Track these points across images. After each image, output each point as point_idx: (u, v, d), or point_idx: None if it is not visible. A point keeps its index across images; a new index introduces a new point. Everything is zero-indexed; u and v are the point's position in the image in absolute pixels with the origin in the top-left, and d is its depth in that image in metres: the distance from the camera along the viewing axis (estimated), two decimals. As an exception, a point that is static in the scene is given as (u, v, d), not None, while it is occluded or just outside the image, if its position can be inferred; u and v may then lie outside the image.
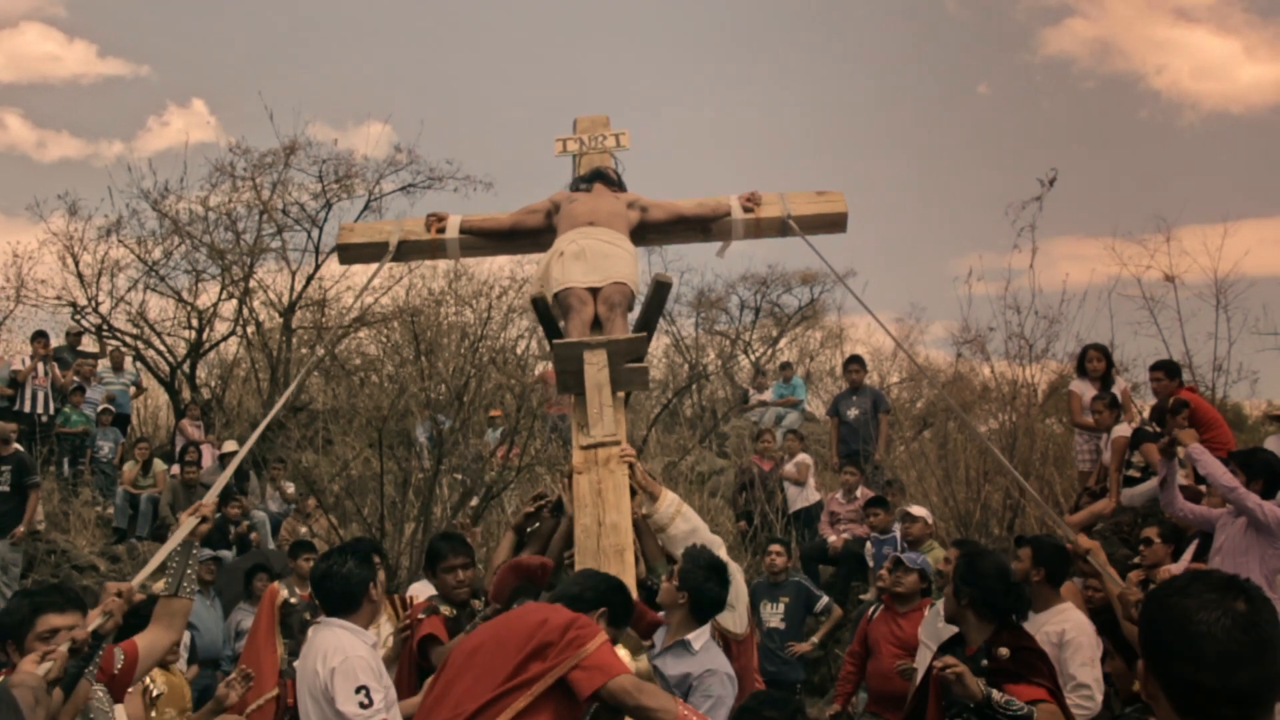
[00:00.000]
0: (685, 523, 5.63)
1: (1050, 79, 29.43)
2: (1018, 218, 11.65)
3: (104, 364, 16.00)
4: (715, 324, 23.85)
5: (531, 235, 7.01)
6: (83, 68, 29.87)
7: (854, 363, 13.35)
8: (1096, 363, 10.13)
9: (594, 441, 5.72)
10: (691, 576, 5.05)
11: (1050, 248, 23.32)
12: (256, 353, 18.25)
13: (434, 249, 7.22)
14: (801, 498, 12.37)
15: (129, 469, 13.81)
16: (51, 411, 14.34)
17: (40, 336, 14.73)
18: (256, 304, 18.51)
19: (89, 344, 16.81)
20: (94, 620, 3.72)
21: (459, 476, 12.94)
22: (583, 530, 5.47)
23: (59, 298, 17.54)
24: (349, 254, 7.31)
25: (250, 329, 18.51)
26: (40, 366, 14.24)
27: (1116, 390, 9.92)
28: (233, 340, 18.92)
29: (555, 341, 6.10)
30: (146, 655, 4.28)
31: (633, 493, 5.61)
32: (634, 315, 6.51)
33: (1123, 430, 9.33)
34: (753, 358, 22.94)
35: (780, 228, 7.03)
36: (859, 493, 10.97)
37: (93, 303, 17.52)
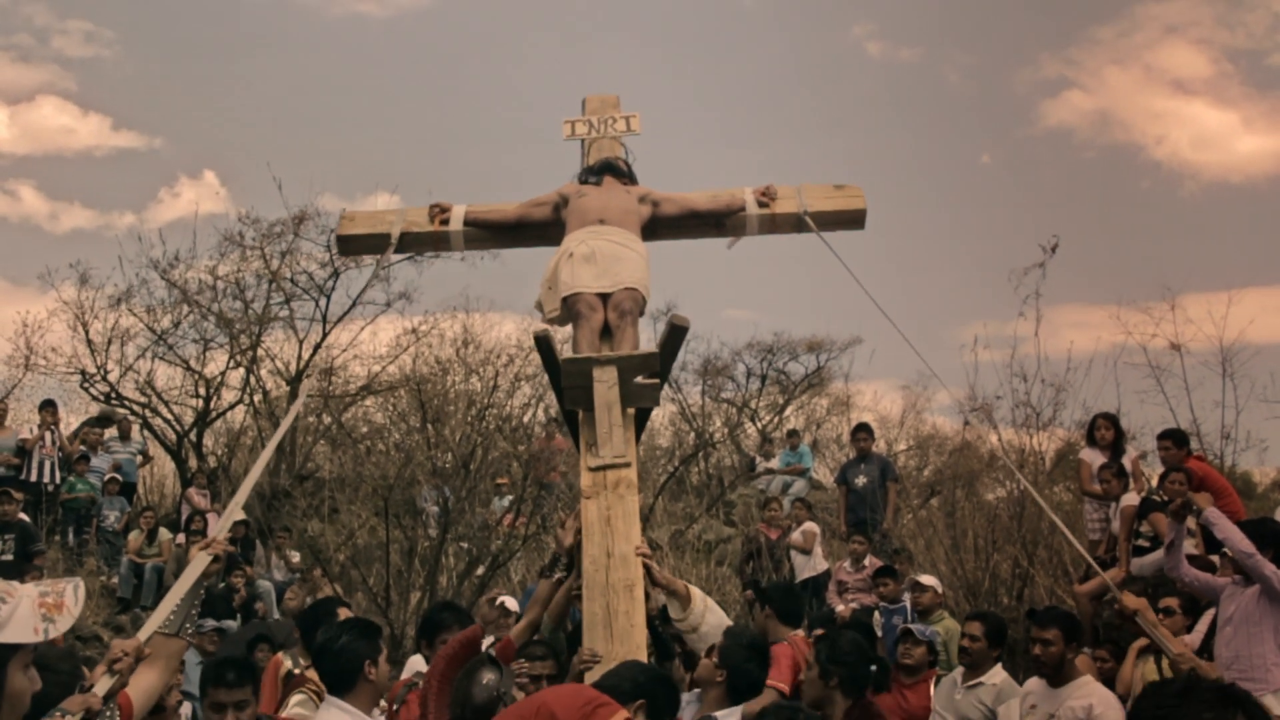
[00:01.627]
0: (714, 615, 5.47)
1: (1051, 150, 29.74)
2: (1020, 284, 11.71)
3: (111, 433, 16.02)
4: (721, 391, 23.85)
5: (538, 229, 6.79)
6: (97, 140, 30.26)
7: (861, 430, 13.32)
8: (1106, 431, 10.10)
9: (603, 463, 5.48)
10: (732, 655, 4.99)
11: (1054, 315, 23.27)
12: (263, 421, 18.26)
13: (437, 241, 6.96)
14: (809, 567, 12.29)
15: (134, 538, 13.78)
16: (58, 480, 14.34)
17: (48, 405, 14.76)
18: (264, 372, 18.58)
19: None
20: (102, 683, 3.37)
21: (465, 545, 12.88)
22: (590, 562, 5.24)
23: (68, 365, 17.64)
24: (350, 245, 7.11)
25: (257, 398, 18.55)
26: (48, 436, 14.26)
27: (1126, 460, 9.88)
28: (240, 409, 18.95)
29: (564, 359, 5.79)
30: (141, 703, 3.72)
31: (646, 595, 5.33)
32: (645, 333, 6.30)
33: (1131, 499, 9.29)
34: (759, 425, 22.90)
35: (796, 224, 6.78)
36: (867, 562, 10.89)
37: (101, 370, 17.59)
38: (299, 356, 18.22)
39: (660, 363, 5.91)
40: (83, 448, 14.87)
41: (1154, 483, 10.04)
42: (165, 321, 18.10)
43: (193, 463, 17.33)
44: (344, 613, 5.69)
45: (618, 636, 5.07)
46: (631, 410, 5.77)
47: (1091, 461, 10.04)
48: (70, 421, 16.45)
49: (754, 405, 23.78)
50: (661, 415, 21.72)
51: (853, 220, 6.81)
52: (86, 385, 17.47)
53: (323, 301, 18.51)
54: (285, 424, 6.82)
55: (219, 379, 18.29)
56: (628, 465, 5.49)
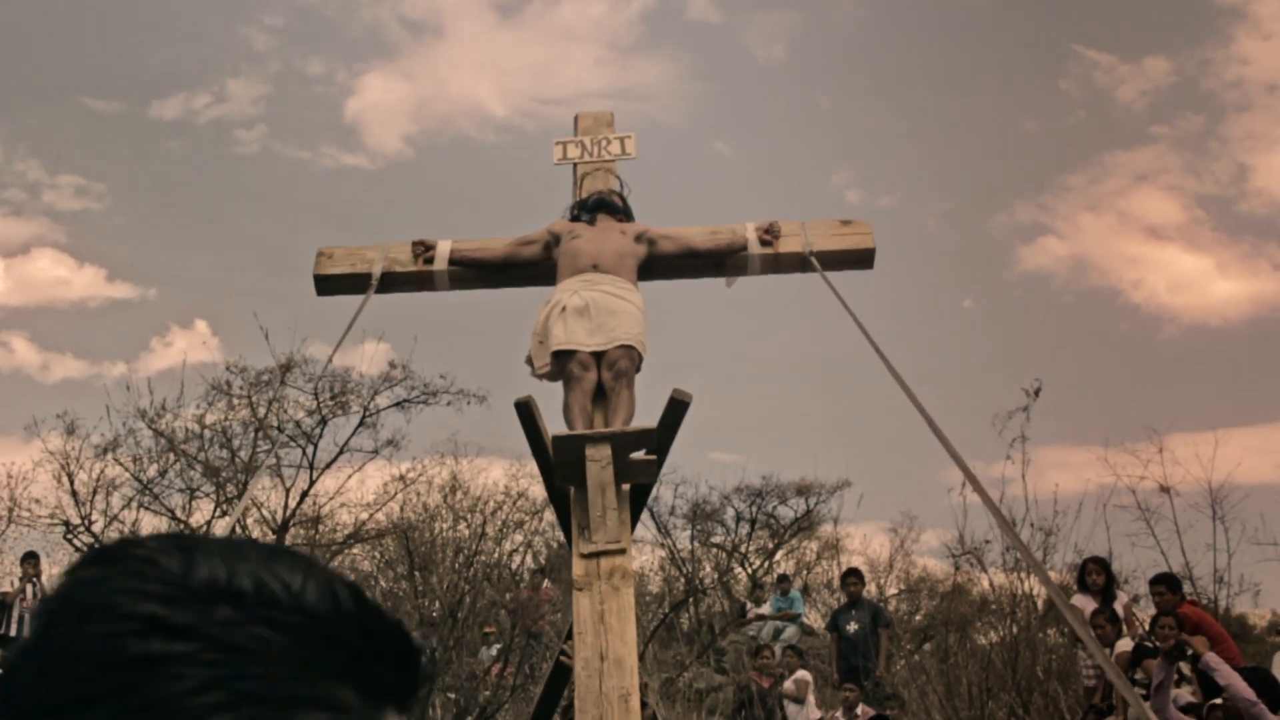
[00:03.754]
0: None
1: (1030, 294, 30.25)
2: (1005, 428, 11.80)
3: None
4: (711, 536, 23.71)
5: (527, 267, 6.43)
6: (91, 291, 30.59)
7: (851, 576, 13.25)
8: (1096, 576, 10.07)
9: (596, 549, 5.06)
10: None
11: (1039, 455, 23.49)
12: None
13: (421, 281, 6.53)
14: (801, 715, 12.09)
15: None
16: (38, 634, 14.10)
17: (31, 558, 14.61)
18: (250, 521, 18.44)
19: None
20: None
21: (452, 696, 12.66)
22: (583, 666, 4.80)
23: (51, 516, 17.52)
24: (328, 285, 6.59)
25: (243, 547, 18.36)
26: (29, 589, 14.08)
27: (1118, 605, 9.83)
28: (225, 558, 18.74)
29: (554, 436, 5.39)
30: None
31: (644, 704, 5.08)
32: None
33: (1125, 645, 9.21)
34: (749, 570, 22.73)
35: (800, 264, 6.43)
36: (860, 710, 10.73)
37: (85, 521, 17.46)
38: (285, 505, 18.13)
39: (659, 446, 5.55)
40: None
41: (1146, 627, 9.97)
42: (151, 471, 18.06)
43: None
44: None
45: (613, 753, 4.68)
46: (627, 487, 5.37)
47: (1084, 607, 9.98)
48: (53, 573, 16.24)
49: (744, 550, 23.63)
50: (651, 560, 21.58)
51: (860, 260, 6.49)
52: (70, 536, 17.32)
53: (310, 449, 18.51)
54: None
55: (204, 528, 18.14)
56: (623, 552, 5.09)
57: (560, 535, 17.21)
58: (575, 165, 6.96)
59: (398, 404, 19.02)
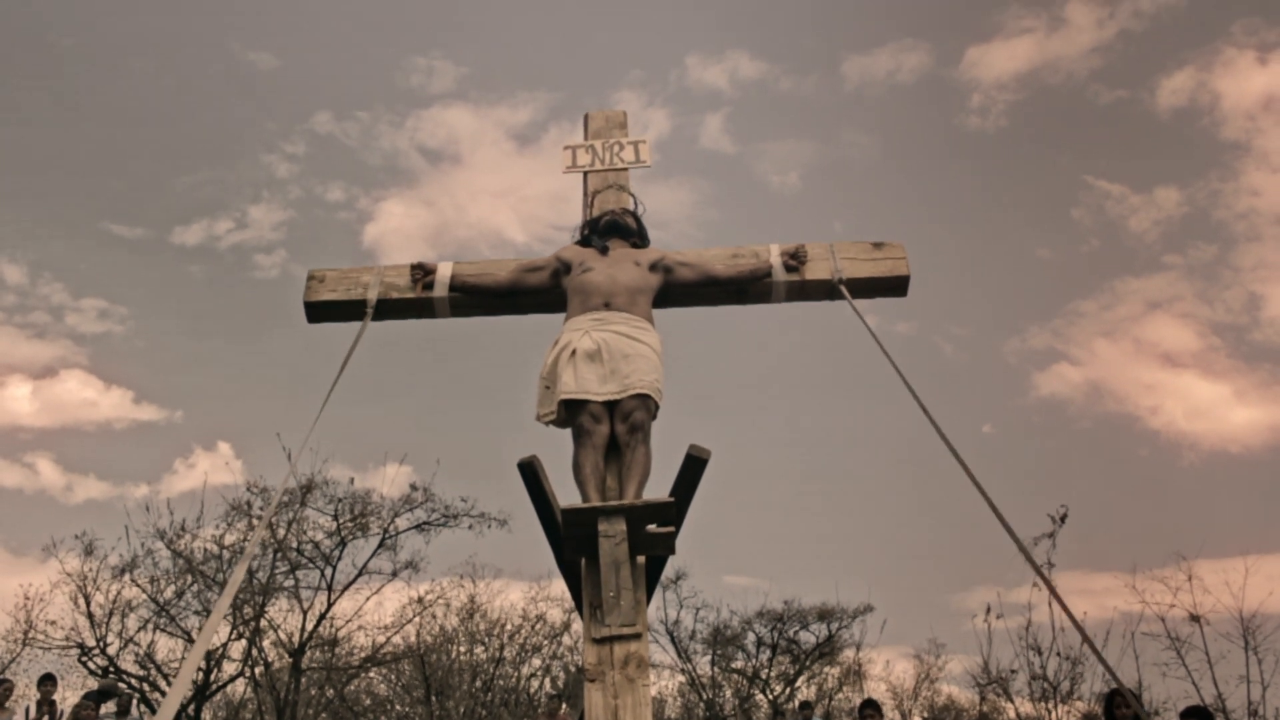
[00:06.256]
0: None
1: (1047, 419, 30.26)
2: (1030, 554, 11.70)
3: (108, 708, 15.64)
4: (732, 661, 23.37)
5: (534, 294, 5.92)
6: (118, 412, 30.90)
7: (869, 708, 12.97)
8: (1125, 709, 9.87)
9: (609, 633, 4.59)
10: None
11: (1064, 581, 23.13)
12: (264, 694, 17.88)
13: (420, 308, 6.04)
14: None
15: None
16: (53, 759, 13.92)
17: (48, 680, 14.48)
18: (266, 644, 18.31)
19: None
20: None
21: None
22: None
23: (67, 639, 17.42)
24: (319, 313, 6.09)
25: (259, 669, 18.23)
26: (45, 714, 13.93)
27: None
28: (240, 681, 18.60)
29: (564, 509, 4.83)
30: None
31: None
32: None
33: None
34: (770, 697, 22.35)
35: (829, 291, 5.96)
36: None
37: (101, 644, 17.36)
38: (302, 627, 18.01)
39: (676, 505, 4.96)
40: (78, 725, 14.49)
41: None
42: (168, 592, 18.01)
43: (190, 739, 16.86)
44: None
45: None
46: (642, 560, 4.90)
47: (1113, 739, 9.76)
48: (67, 696, 16.11)
49: (765, 675, 23.27)
50: (670, 685, 21.27)
51: (893, 287, 6.03)
52: (84, 659, 17.21)
53: (328, 571, 18.45)
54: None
55: (220, 650, 18.02)
56: (638, 637, 4.60)
57: (578, 659, 16.99)
58: (586, 176, 6.49)
59: (417, 526, 19.02)
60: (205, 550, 18.20)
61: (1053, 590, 4.46)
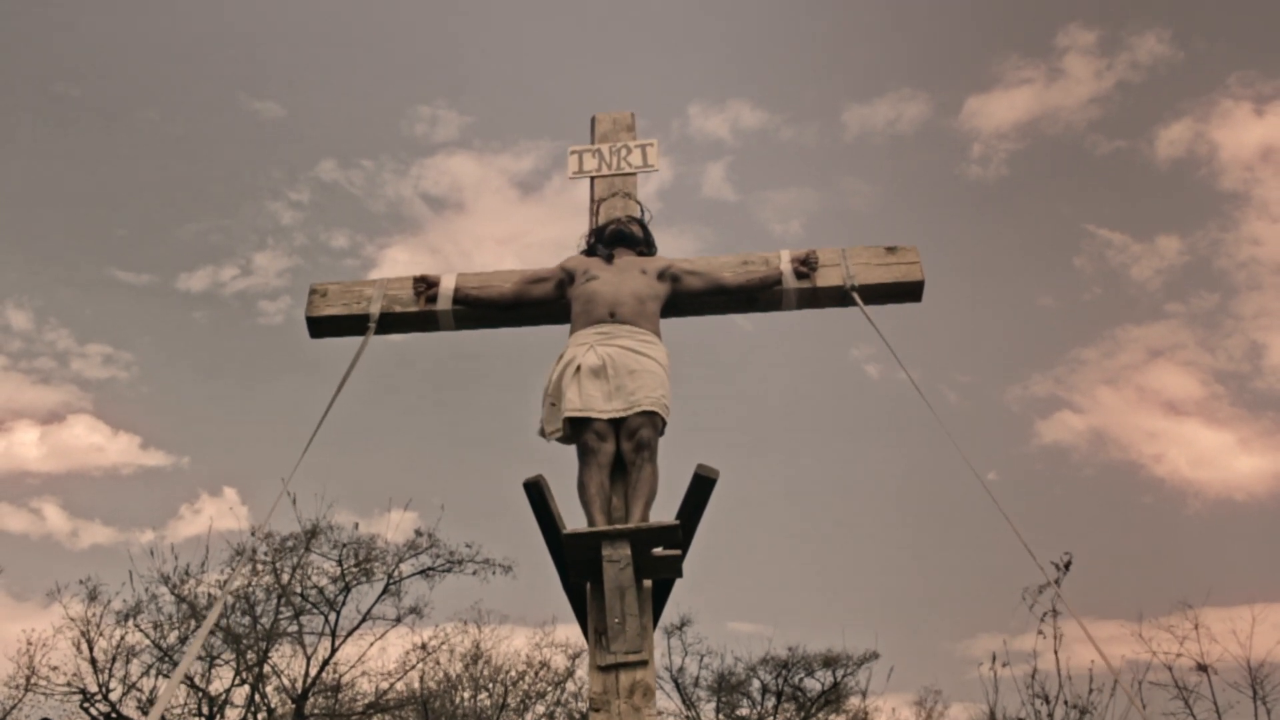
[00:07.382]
0: None
1: (1050, 467, 30.23)
2: (1035, 602, 11.67)
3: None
4: (736, 709, 23.20)
5: (539, 305, 5.83)
6: (124, 458, 30.95)
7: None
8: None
9: (614, 661, 4.48)
10: None
11: (1069, 629, 23.02)
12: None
13: (424, 321, 5.96)
14: None
15: None
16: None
17: (48, 725, 14.45)
18: (269, 689, 18.22)
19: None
20: None
21: None
22: None
23: (69, 684, 17.34)
24: (322, 328, 6.02)
25: (261, 715, 18.12)
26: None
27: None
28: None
29: (566, 534, 4.74)
30: None
31: None
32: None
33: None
34: (775, 744, 22.15)
35: (840, 298, 5.83)
36: None
37: (103, 689, 17.27)
38: (306, 673, 17.92)
39: (684, 527, 4.83)
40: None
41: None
42: (172, 637, 17.94)
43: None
44: None
45: None
46: (648, 584, 4.79)
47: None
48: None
49: (769, 723, 23.08)
50: (675, 734, 21.08)
51: (907, 292, 5.90)
52: (86, 705, 17.12)
53: (332, 616, 18.39)
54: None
55: (223, 697, 17.93)
56: (644, 664, 4.49)
57: (583, 706, 16.88)
58: (592, 182, 6.40)
59: (422, 572, 18.99)
60: (209, 595, 18.16)
61: (1081, 625, 4.46)
